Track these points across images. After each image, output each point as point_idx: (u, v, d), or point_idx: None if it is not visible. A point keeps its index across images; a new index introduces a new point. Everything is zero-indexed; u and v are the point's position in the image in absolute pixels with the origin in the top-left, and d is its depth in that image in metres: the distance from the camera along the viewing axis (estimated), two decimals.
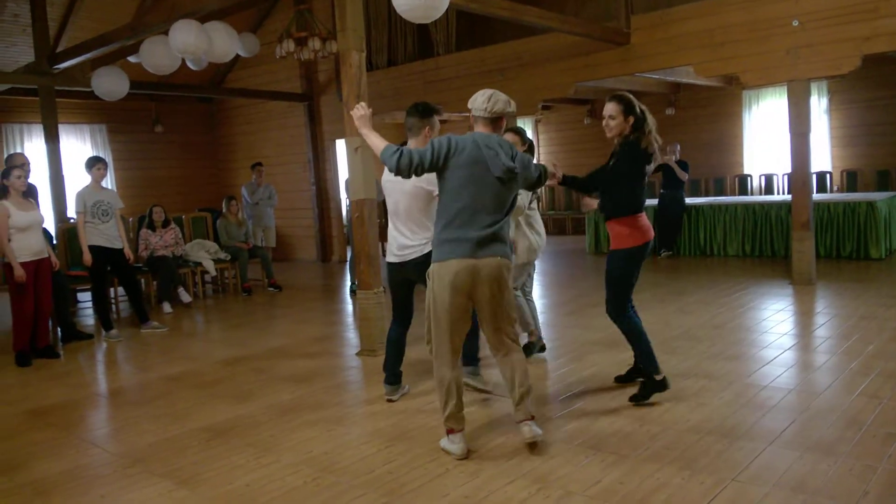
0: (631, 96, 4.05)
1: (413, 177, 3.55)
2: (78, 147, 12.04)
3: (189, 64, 9.73)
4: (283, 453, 3.77)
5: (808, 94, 7.48)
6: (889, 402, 3.92)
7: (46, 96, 8.93)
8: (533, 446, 3.57)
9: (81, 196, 6.85)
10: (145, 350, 6.59)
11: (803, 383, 4.41)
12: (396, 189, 4.24)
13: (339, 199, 12.15)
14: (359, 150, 5.68)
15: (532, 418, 3.59)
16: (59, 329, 7.05)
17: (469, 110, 3.65)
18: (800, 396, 4.15)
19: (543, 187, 4.14)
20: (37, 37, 8.88)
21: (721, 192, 12.41)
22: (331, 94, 11.92)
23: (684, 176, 10.05)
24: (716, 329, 5.91)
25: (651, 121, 4.06)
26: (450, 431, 3.58)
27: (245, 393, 4.94)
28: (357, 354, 5.82)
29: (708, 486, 3.06)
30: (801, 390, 4.26)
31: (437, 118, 4.18)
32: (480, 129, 3.63)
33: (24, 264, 5.82)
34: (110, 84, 7.94)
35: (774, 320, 6.17)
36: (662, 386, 4.14)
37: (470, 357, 4.51)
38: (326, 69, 11.95)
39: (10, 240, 5.79)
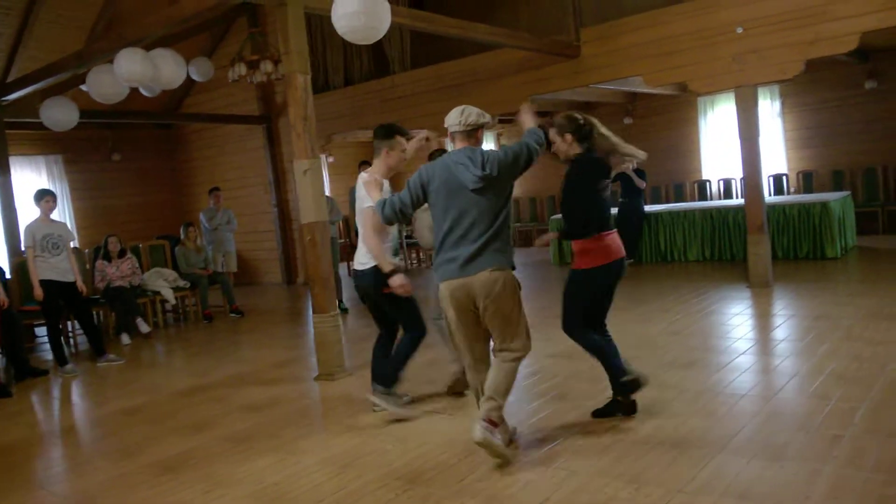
0: (567, 113, 4.04)
1: (404, 220, 3.89)
2: (33, 179, 11.82)
3: (142, 91, 9.67)
4: (233, 486, 3.71)
5: (755, 100, 7.61)
6: (837, 403, 3.96)
7: None
8: (487, 449, 3.50)
9: (30, 230, 6.73)
10: (101, 384, 6.46)
11: (756, 387, 4.44)
12: (358, 208, 4.46)
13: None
14: (307, 173, 5.65)
15: (490, 422, 3.50)
16: (11, 367, 6.89)
17: (446, 130, 3.73)
18: (752, 401, 4.18)
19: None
20: None
21: (681, 198, 12.55)
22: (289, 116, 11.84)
23: (642, 184, 10.14)
24: (673, 336, 5.95)
25: (601, 129, 3.99)
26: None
27: (200, 424, 4.86)
28: (315, 379, 5.75)
29: (655, 499, 3.05)
30: (753, 395, 4.29)
31: (400, 139, 4.36)
32: (459, 144, 3.71)
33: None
34: (59, 114, 7.83)
35: (731, 325, 6.23)
36: (637, 385, 4.01)
37: (381, 377, 4.53)
38: (283, 90, 11.90)
39: None
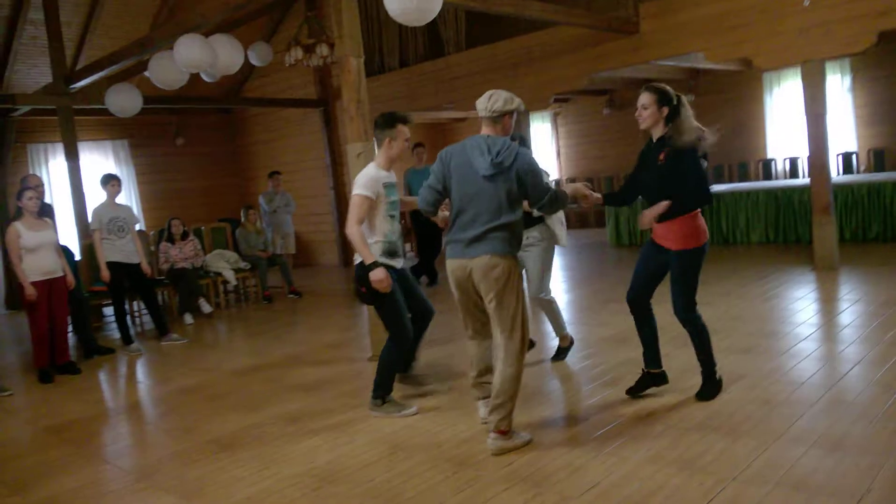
0: (665, 86, 3.93)
1: (436, 207, 3.83)
2: (101, 163, 12.26)
3: (203, 76, 9.88)
4: (285, 464, 3.79)
5: (822, 75, 7.29)
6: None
7: (65, 116, 9.09)
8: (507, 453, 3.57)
9: (97, 213, 6.97)
10: (164, 363, 6.68)
11: (816, 375, 4.29)
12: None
13: None
14: (360, 156, 5.68)
15: (500, 432, 3.57)
16: (80, 345, 7.19)
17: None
18: (811, 389, 4.05)
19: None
20: (53, 57, 9.04)
21: (745, 178, 12.17)
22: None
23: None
24: (733, 321, 5.79)
25: (688, 111, 3.92)
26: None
27: (255, 403, 4.98)
28: (369, 360, 5.82)
29: (707, 487, 2.99)
30: (813, 382, 4.16)
31: (402, 127, 4.16)
32: (485, 130, 3.67)
33: (36, 283, 5.93)
34: (123, 101, 8.07)
35: (792, 310, 6.04)
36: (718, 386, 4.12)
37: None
38: (339, 74, 11.98)
39: (21, 260, 5.91)
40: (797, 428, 3.50)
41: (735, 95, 12.35)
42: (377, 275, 4.01)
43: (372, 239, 4.19)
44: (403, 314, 4.25)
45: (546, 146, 15.11)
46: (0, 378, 6.15)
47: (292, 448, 4.02)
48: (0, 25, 10.00)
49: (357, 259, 4.19)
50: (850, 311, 5.73)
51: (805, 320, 5.62)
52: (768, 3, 7.41)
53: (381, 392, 4.34)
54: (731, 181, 12.11)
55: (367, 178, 4.11)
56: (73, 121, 9.20)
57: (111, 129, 12.41)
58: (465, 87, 10.10)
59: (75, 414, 5.22)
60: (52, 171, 11.65)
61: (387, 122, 4.14)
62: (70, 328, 6.81)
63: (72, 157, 9.19)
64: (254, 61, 9.79)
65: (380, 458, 3.73)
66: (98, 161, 12.26)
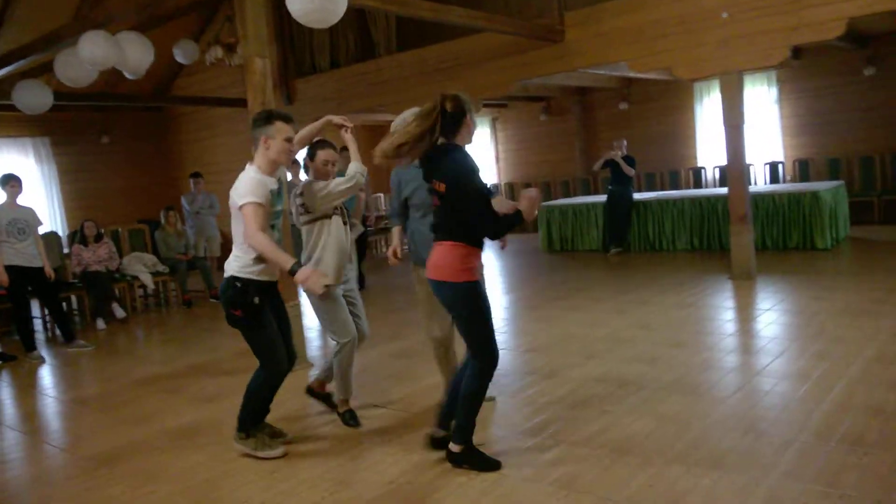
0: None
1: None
2: (21, 161, 11.78)
3: (126, 74, 9.55)
4: (164, 482, 3.62)
5: (740, 87, 7.39)
6: (792, 406, 3.82)
7: None
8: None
9: None
10: (65, 371, 6.40)
11: (713, 388, 4.28)
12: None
13: None
14: None
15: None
16: None
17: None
18: (706, 402, 4.04)
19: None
20: None
21: (676, 186, 12.33)
22: (276, 99, 11.69)
23: (631, 171, 9.95)
24: (642, 329, 5.80)
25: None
26: None
27: (147, 415, 4.77)
28: None
29: None
30: (709, 395, 4.15)
31: (282, 125, 3.60)
32: None
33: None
34: (31, 97, 7.71)
35: (704, 318, 6.10)
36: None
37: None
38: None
39: None
40: (684, 444, 3.48)
41: (667, 104, 12.53)
42: (302, 274, 3.44)
43: (248, 254, 3.60)
44: (277, 341, 3.73)
45: (485, 151, 15.11)
46: None
47: (173, 464, 3.85)
48: None
49: (229, 272, 3.63)
50: (760, 320, 5.79)
51: (714, 330, 5.68)
52: (689, 15, 7.48)
53: (246, 426, 3.82)
54: (662, 188, 12.26)
55: (254, 184, 3.55)
56: None
57: (31, 125, 11.93)
58: (396, 91, 9.98)
59: None
60: None
61: (267, 118, 3.61)
62: None
63: None
64: (180, 59, 9.49)
65: (260, 477, 3.58)
66: (17, 158, 11.78)
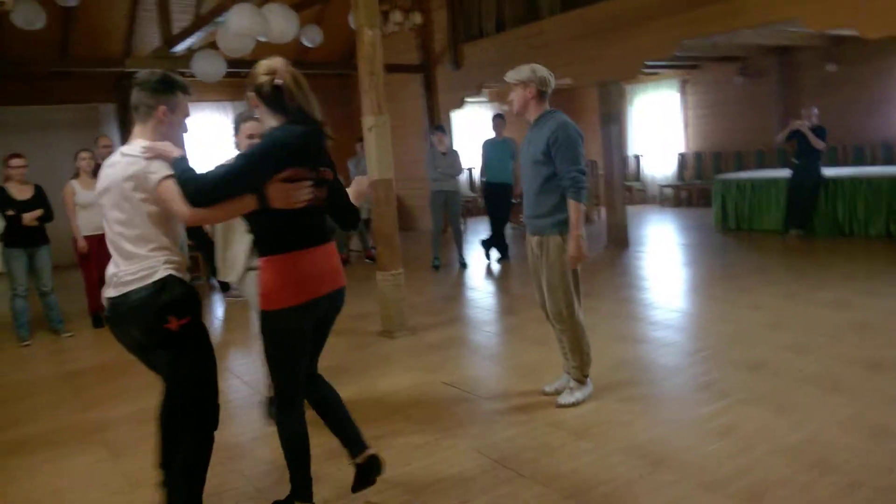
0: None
1: None
2: (222, 122, 13.05)
3: (304, 41, 10.17)
4: None
5: None
6: None
7: None
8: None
9: None
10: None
11: None
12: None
13: None
14: (373, 130, 5.56)
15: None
16: None
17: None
18: None
19: None
20: (160, 23, 9.62)
21: (890, 161, 10.65)
22: (445, 65, 11.80)
23: (820, 144, 8.73)
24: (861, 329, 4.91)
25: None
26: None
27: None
28: (379, 335, 5.77)
29: None
30: None
31: (182, 96, 2.72)
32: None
33: (87, 238, 6.42)
34: (206, 66, 8.43)
35: None
36: None
37: None
38: (441, 39, 11.83)
39: (76, 215, 6.42)
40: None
41: (882, 66, 10.78)
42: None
43: (160, 250, 2.61)
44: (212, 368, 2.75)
45: (673, 117, 14.13)
46: (65, 321, 6.75)
47: None
48: None
49: (157, 276, 2.56)
50: None
51: None
52: None
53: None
54: (875, 164, 10.63)
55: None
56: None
57: (231, 90, 13.06)
58: (557, 54, 9.56)
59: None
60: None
61: (167, 86, 2.66)
62: None
63: None
64: (306, 42, 9.98)
65: None
66: (219, 120, 13.05)
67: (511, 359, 5.00)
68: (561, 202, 3.74)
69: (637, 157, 14.86)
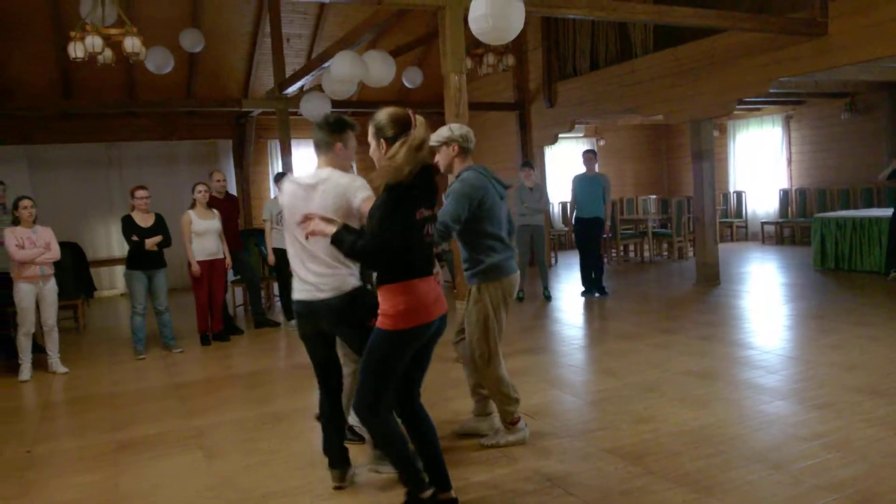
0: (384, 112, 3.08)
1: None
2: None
3: (405, 82, 10.80)
4: None
5: None
6: None
7: (281, 117, 10.53)
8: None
9: (269, 206, 8.03)
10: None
11: None
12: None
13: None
14: None
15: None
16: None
17: None
18: None
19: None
20: (275, 66, 10.45)
21: None
22: (539, 102, 12.08)
23: None
24: None
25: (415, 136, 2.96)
26: (513, 423, 4.03)
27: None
28: (455, 361, 6.04)
29: None
30: None
31: (351, 133, 3.37)
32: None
33: (200, 262, 7.09)
34: (313, 107, 9.08)
35: None
36: None
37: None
38: (536, 77, 12.15)
39: (191, 242, 7.10)
40: None
41: None
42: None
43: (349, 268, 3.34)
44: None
45: (776, 153, 13.83)
46: (177, 338, 7.42)
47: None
48: (245, 41, 11.77)
49: (352, 285, 3.32)
50: None
51: None
52: None
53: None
54: None
55: (363, 181, 3.31)
56: (287, 121, 10.58)
57: None
58: (648, 92, 9.70)
59: (198, 375, 6.21)
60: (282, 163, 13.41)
61: (341, 126, 3.34)
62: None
63: (286, 152, 10.58)
64: (407, 83, 10.76)
65: None
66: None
67: (578, 387, 5.16)
68: (473, 254, 3.86)
69: (738, 194, 14.57)
